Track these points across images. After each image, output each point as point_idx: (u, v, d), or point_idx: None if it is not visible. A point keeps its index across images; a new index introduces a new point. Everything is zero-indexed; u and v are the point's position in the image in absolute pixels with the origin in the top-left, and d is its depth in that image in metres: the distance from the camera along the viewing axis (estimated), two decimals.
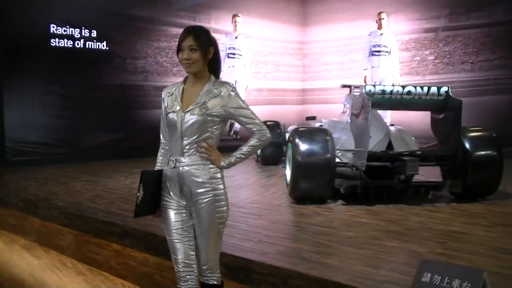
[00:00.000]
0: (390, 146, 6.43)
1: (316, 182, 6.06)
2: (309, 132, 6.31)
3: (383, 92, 6.22)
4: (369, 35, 11.24)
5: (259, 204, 6.26)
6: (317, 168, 5.98)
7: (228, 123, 3.08)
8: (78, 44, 10.52)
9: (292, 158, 6.21)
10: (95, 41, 10.70)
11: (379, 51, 11.07)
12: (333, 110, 12.24)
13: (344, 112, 8.30)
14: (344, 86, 8.70)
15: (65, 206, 6.34)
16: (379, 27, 11.12)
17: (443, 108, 6.27)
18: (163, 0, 11.72)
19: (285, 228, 5.18)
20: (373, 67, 11.12)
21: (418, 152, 6.30)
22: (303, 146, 6.05)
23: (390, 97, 6.23)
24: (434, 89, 6.21)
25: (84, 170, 9.31)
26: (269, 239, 4.60)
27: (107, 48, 10.86)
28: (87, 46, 10.62)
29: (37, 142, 10.15)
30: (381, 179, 6.22)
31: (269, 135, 3.02)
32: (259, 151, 9.54)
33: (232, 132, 11.89)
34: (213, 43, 3.00)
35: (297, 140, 6.11)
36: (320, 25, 13.88)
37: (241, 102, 2.97)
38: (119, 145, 10.98)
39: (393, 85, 7.27)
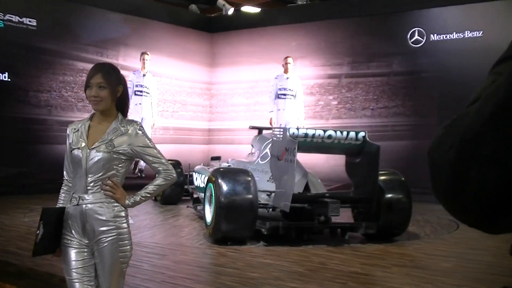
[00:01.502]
0: (306, 187, 6.58)
1: (239, 223, 6.07)
2: (232, 172, 6.35)
3: (306, 135, 6.35)
4: (276, 78, 11.54)
5: (164, 244, 6.20)
6: (240, 209, 6.00)
7: (133, 161, 3.06)
8: None
9: (214, 198, 6.16)
10: None
11: (284, 95, 11.37)
12: (239, 151, 12.37)
13: (252, 153, 8.41)
14: (252, 127, 8.84)
15: None
16: (285, 71, 11.44)
17: (360, 153, 6.51)
18: (71, 33, 11.50)
19: (189, 269, 5.15)
20: (279, 109, 11.40)
21: (338, 195, 6.50)
22: (227, 187, 6.04)
23: (312, 140, 6.37)
24: (352, 134, 6.44)
25: None
26: (172, 280, 4.56)
27: (9, 79, 10.50)
28: None
29: None
30: (298, 220, 6.30)
31: (175, 175, 3.03)
32: None
33: (137, 170, 11.74)
34: (122, 81, 3.01)
35: (220, 181, 6.09)
36: (228, 66, 14.10)
37: (148, 141, 2.97)
38: (20, 180, 10.53)
39: (298, 128, 7.46)
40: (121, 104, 3.03)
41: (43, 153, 10.81)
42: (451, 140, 0.72)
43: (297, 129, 6.46)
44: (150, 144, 2.98)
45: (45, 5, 11.12)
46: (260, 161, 7.65)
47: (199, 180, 8.16)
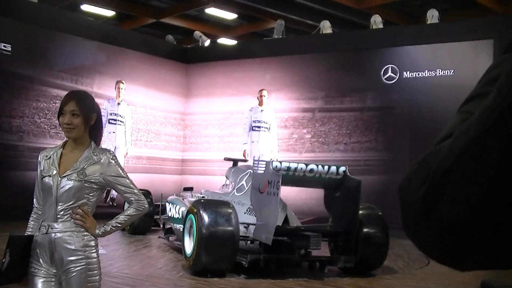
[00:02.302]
0: (285, 220, 6.57)
1: (220, 255, 6.04)
2: (213, 204, 6.33)
3: (288, 169, 6.35)
4: (250, 110, 11.59)
5: (134, 275, 6.11)
6: (222, 241, 5.96)
7: (105, 190, 3.04)
8: None
9: (196, 230, 6.10)
10: None
11: (259, 127, 11.41)
12: (211, 182, 12.33)
13: (226, 185, 8.38)
14: (227, 159, 8.83)
15: None
16: (260, 104, 11.50)
17: (340, 187, 6.55)
18: (45, 59, 11.44)
19: None
20: (253, 141, 11.43)
21: (318, 228, 6.53)
22: (208, 218, 6.00)
23: (293, 174, 6.37)
24: (333, 168, 6.49)
25: None
26: None
27: None
28: None
29: None
30: (277, 253, 6.27)
31: (146, 206, 3.02)
32: None
33: (108, 199, 11.62)
34: (95, 109, 3.00)
35: (202, 212, 6.05)
36: (203, 97, 14.12)
37: (121, 171, 2.96)
38: None
39: (280, 161, 7.47)
40: (94, 132, 3.02)
41: (14, 179, 10.65)
42: (421, 177, 0.73)
43: (280, 162, 6.45)
44: (122, 173, 2.97)
45: (20, 31, 11.06)
46: (236, 193, 7.62)
47: (173, 211, 8.08)
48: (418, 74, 11.18)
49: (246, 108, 11.92)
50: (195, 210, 6.20)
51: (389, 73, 11.46)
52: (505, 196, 0.66)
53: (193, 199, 8.31)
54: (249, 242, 6.43)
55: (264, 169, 6.49)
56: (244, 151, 11.41)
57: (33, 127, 11.13)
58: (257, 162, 6.95)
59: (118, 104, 11.40)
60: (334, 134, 12.15)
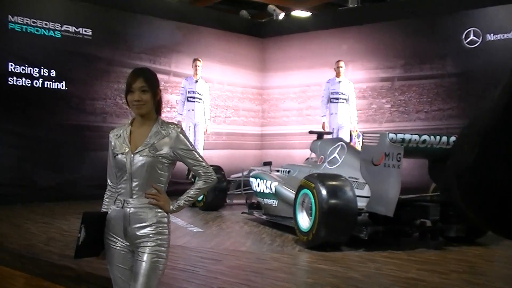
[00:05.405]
0: None
1: (340, 229, 6.10)
2: (330, 178, 6.37)
3: (403, 140, 6.29)
4: (327, 82, 11.47)
5: (218, 249, 6.22)
6: (342, 215, 6.02)
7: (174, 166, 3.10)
8: (36, 83, 10.41)
9: (315, 205, 6.15)
10: (53, 80, 10.62)
11: (337, 99, 11.28)
12: (291, 156, 12.37)
13: (311, 158, 8.36)
14: (312, 132, 8.80)
15: (17, 249, 6.17)
16: (337, 75, 11.36)
17: (447, 156, 6.43)
18: (124, 42, 11.73)
19: (244, 274, 5.15)
20: (331, 113, 11.32)
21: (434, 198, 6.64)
22: (328, 192, 6.06)
23: (407, 145, 6.31)
24: (444, 138, 6.40)
25: (39, 211, 9.09)
26: (228, 285, 4.57)
27: (66, 88, 10.77)
28: (45, 86, 10.52)
29: None
30: (391, 224, 6.29)
31: (215, 178, 3.06)
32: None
33: (190, 175, 11.82)
34: (159, 84, 3.07)
35: (320, 187, 6.11)
36: (279, 71, 14.09)
37: (189, 144, 3.01)
38: (75, 186, 10.78)
39: (388, 132, 7.41)
40: (158, 106, 3.08)
41: (98, 159, 11.01)
42: (473, 139, 0.71)
43: (395, 134, 6.36)
44: (191, 147, 3.01)
45: (100, 15, 11.39)
46: (328, 166, 7.61)
47: (262, 186, 8.11)
48: (503, 36, 10.68)
49: (323, 80, 11.81)
50: (312, 185, 6.23)
51: (471, 37, 11.01)
52: None
53: (281, 174, 8.37)
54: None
55: (376, 141, 6.41)
56: (323, 123, 11.33)
57: (115, 108, 11.47)
58: (368, 134, 6.86)
59: (196, 81, 11.53)
60: (414, 102, 11.86)
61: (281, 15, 14.59)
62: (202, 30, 13.14)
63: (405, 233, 6.47)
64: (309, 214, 6.37)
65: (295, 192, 6.83)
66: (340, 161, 7.44)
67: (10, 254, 6.12)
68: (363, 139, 6.75)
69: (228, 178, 9.71)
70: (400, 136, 6.30)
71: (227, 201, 9.86)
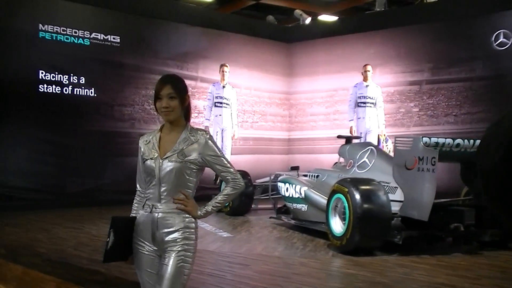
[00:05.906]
0: None
1: (374, 233, 6.11)
2: (363, 182, 6.37)
3: (437, 144, 6.26)
4: (355, 86, 11.41)
5: (245, 254, 6.22)
6: (376, 219, 6.03)
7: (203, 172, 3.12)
8: (66, 90, 10.56)
9: (348, 209, 6.15)
10: (83, 87, 10.76)
11: (364, 103, 11.23)
12: (319, 160, 12.34)
13: (340, 163, 8.34)
14: (340, 137, 8.77)
15: (47, 253, 6.26)
16: (365, 79, 11.30)
17: None
18: (151, 48, 11.84)
19: (272, 279, 5.14)
20: (359, 118, 11.26)
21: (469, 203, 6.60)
22: (362, 197, 6.06)
23: (441, 149, 6.27)
24: (478, 142, 6.33)
25: (68, 216, 9.19)
26: None
27: (95, 95, 10.91)
28: (75, 93, 10.67)
29: (20, 187, 10.04)
30: (425, 229, 6.27)
31: (243, 184, 3.06)
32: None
33: (218, 180, 11.84)
34: (187, 90, 3.07)
35: (354, 191, 6.11)
36: (306, 76, 14.07)
37: (217, 150, 3.02)
38: (104, 191, 10.90)
39: (429, 137, 7.36)
40: (187, 112, 3.09)
41: (127, 165, 11.12)
42: (499, 139, 0.70)
43: (429, 138, 6.33)
44: (219, 153, 3.02)
45: (128, 22, 11.52)
46: (357, 170, 7.60)
47: (291, 190, 8.10)
48: None
49: (350, 84, 11.76)
50: (346, 190, 6.23)
51: (501, 39, 10.85)
52: None
53: (309, 178, 8.36)
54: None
55: (410, 145, 6.38)
56: (351, 127, 11.28)
57: (144, 114, 11.58)
58: (400, 138, 6.83)
59: (223, 87, 11.58)
60: (442, 106, 11.73)
61: (308, 20, 14.59)
62: (228, 36, 13.20)
63: (439, 238, 6.42)
64: (343, 219, 6.36)
65: (325, 197, 6.82)
66: (370, 165, 7.42)
67: (40, 258, 6.20)
68: (395, 143, 6.71)
69: (253, 183, 9.72)
70: (434, 139, 6.27)
71: (253, 206, 9.87)
